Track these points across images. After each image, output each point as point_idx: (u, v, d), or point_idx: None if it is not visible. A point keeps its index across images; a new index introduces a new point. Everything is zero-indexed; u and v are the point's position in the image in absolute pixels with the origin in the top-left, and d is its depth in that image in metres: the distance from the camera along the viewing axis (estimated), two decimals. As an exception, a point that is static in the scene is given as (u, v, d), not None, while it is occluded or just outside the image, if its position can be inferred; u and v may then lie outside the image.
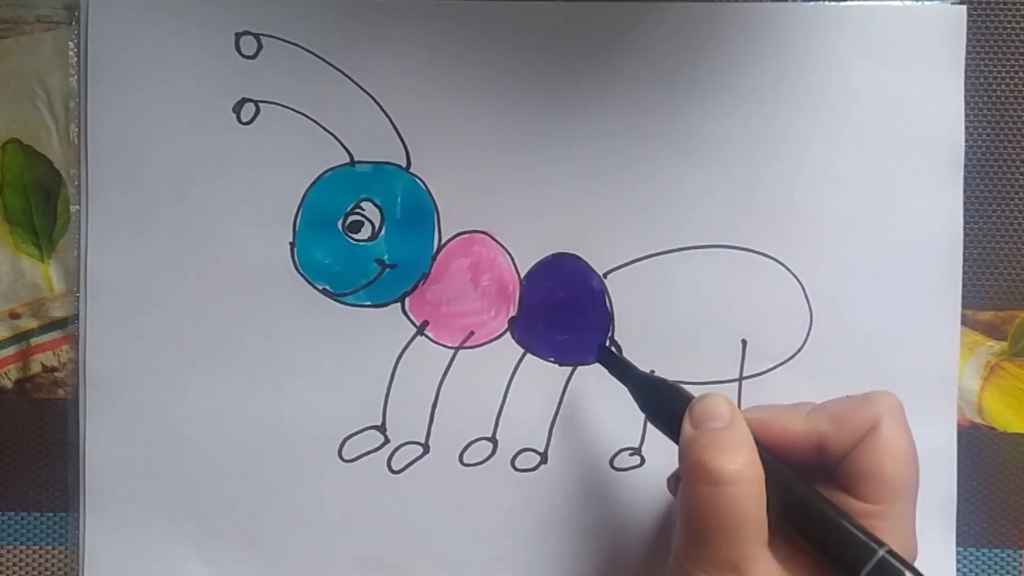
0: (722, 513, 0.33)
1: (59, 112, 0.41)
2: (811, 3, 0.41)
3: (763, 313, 0.41)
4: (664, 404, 0.37)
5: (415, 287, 0.41)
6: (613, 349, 0.41)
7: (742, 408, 0.37)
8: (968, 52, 0.41)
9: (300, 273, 0.41)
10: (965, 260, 0.41)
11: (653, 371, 0.41)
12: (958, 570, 0.42)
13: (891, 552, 0.32)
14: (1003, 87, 0.42)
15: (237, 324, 0.41)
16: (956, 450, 0.41)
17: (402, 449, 0.41)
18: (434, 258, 0.41)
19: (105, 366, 0.41)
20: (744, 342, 0.41)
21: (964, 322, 0.42)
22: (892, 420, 0.35)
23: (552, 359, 0.41)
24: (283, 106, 0.41)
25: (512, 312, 0.41)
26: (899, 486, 0.34)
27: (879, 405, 0.35)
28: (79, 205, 0.41)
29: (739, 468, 0.34)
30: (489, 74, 0.41)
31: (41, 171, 0.41)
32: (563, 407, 0.41)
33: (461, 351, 0.41)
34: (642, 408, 0.38)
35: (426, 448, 0.41)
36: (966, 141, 0.41)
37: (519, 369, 0.41)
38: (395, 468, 0.41)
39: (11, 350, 0.41)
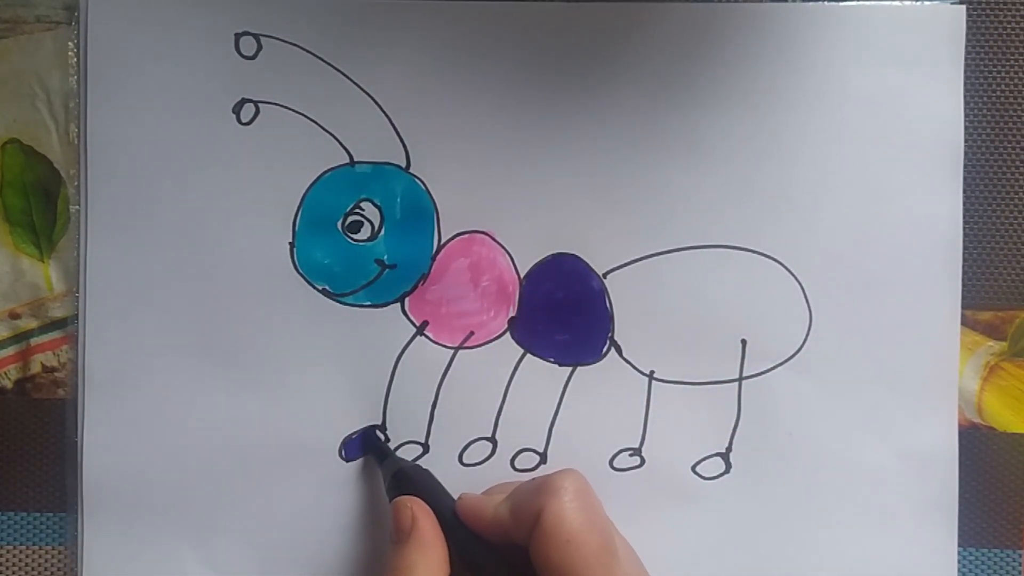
0: None
1: (59, 112, 0.41)
2: (811, 3, 0.41)
3: (763, 313, 0.41)
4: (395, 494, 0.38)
5: (415, 287, 0.41)
6: (379, 434, 0.41)
7: None
8: (968, 52, 0.41)
9: (300, 273, 0.41)
10: (965, 260, 0.41)
11: (654, 371, 0.41)
12: (958, 570, 0.41)
13: None
14: (1003, 87, 0.42)
15: (237, 324, 0.41)
16: (957, 450, 0.41)
17: (402, 449, 0.41)
18: (434, 258, 0.41)
19: (105, 366, 0.41)
20: (744, 342, 0.41)
21: (964, 322, 0.42)
22: (555, 508, 0.34)
23: (552, 359, 0.41)
24: (283, 106, 0.41)
25: (512, 312, 0.41)
26: (572, 573, 0.33)
27: (547, 490, 0.34)
28: (79, 205, 0.41)
29: None
30: (489, 74, 0.41)
31: (41, 171, 0.41)
32: (563, 407, 0.41)
33: (461, 351, 0.41)
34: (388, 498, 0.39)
35: (426, 448, 0.41)
36: (966, 141, 0.41)
37: (519, 369, 0.41)
38: (395, 468, 0.41)
39: (11, 350, 0.41)
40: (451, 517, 0.37)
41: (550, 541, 0.33)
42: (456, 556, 0.36)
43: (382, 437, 0.41)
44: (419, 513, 0.36)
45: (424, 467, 0.39)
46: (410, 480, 0.38)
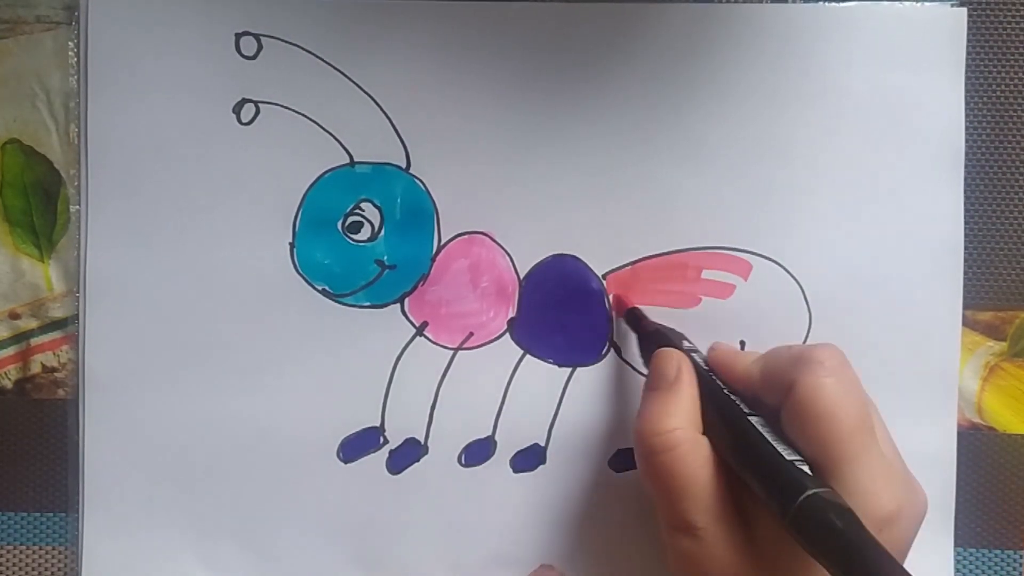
0: (661, 479, 0.34)
1: (59, 112, 0.41)
2: (811, 3, 0.41)
3: (762, 314, 0.41)
4: (649, 355, 0.38)
5: (414, 288, 0.41)
6: (638, 310, 0.41)
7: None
8: (968, 53, 0.41)
9: (300, 274, 0.41)
10: (965, 260, 0.41)
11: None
12: (957, 571, 0.42)
13: (818, 495, 0.31)
14: (1003, 88, 0.41)
15: (237, 324, 0.41)
16: (956, 450, 0.41)
17: (401, 449, 0.41)
18: (433, 259, 0.41)
19: (105, 366, 0.41)
20: (743, 343, 0.41)
21: (964, 322, 0.41)
22: (807, 383, 0.33)
23: (551, 360, 0.41)
24: (283, 107, 0.41)
25: (511, 313, 0.41)
26: (826, 448, 0.33)
27: (801, 362, 0.34)
28: (79, 205, 0.41)
29: (669, 435, 0.34)
30: (489, 74, 0.41)
31: (41, 171, 0.41)
32: (562, 408, 0.41)
33: (460, 352, 0.41)
34: (642, 358, 0.40)
35: (425, 449, 0.41)
36: (966, 142, 0.41)
37: (518, 370, 0.41)
38: (394, 469, 0.41)
39: (11, 350, 0.41)
40: (703, 369, 0.37)
41: (803, 414, 0.33)
42: (706, 405, 0.36)
43: (382, 439, 0.41)
44: (683, 364, 0.37)
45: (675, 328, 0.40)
46: (666, 338, 0.38)
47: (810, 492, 0.31)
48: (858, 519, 0.30)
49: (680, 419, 0.35)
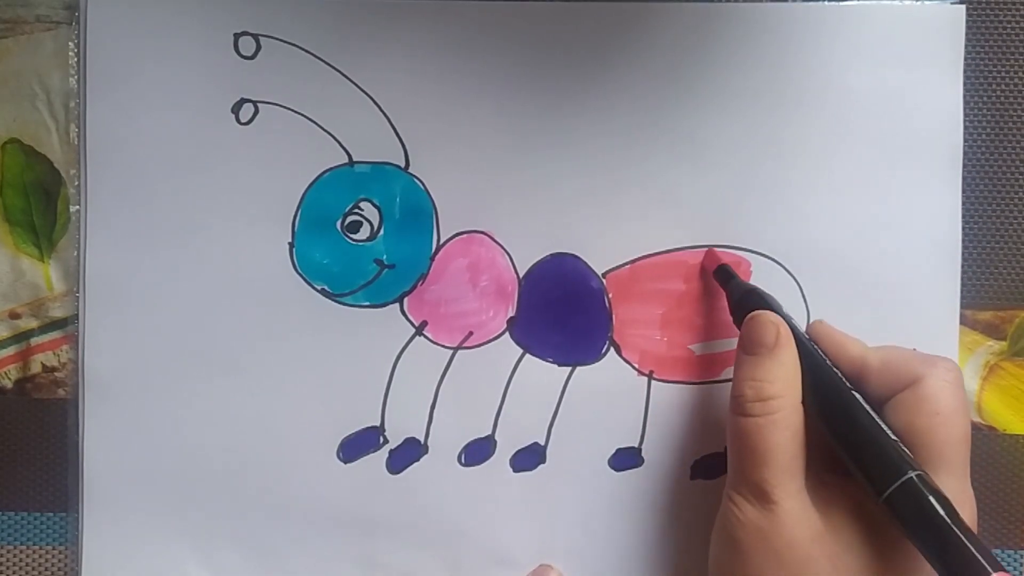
0: (750, 441, 0.35)
1: (59, 112, 0.41)
2: (811, 3, 0.41)
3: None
4: (743, 314, 0.38)
5: (414, 287, 0.41)
6: (729, 268, 0.40)
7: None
8: (967, 52, 0.41)
9: (299, 273, 0.41)
10: (965, 260, 0.41)
11: (653, 371, 0.41)
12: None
13: (922, 477, 0.31)
14: (1003, 87, 0.41)
15: (236, 324, 0.41)
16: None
17: (401, 449, 0.41)
18: (433, 258, 0.41)
19: (105, 366, 0.41)
20: (742, 342, 0.41)
21: (964, 322, 0.41)
22: (936, 382, 0.34)
23: (551, 359, 0.41)
24: (282, 106, 0.41)
25: (511, 312, 0.41)
26: (931, 446, 0.34)
27: (931, 364, 0.35)
28: (79, 205, 0.41)
29: (769, 402, 0.35)
30: (488, 74, 0.41)
31: (41, 171, 0.41)
32: (562, 407, 0.41)
33: (460, 351, 0.41)
34: (733, 316, 0.39)
35: (425, 448, 0.41)
36: (965, 141, 0.41)
37: (518, 369, 0.41)
38: (394, 468, 0.41)
39: (11, 350, 0.41)
40: (804, 337, 0.37)
41: (920, 408, 0.34)
42: (805, 375, 0.36)
43: (381, 439, 0.41)
44: (783, 329, 0.36)
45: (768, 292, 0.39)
46: (762, 299, 0.38)
47: (913, 474, 0.32)
48: (955, 508, 0.31)
49: (780, 387, 0.35)
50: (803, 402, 0.35)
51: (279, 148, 0.41)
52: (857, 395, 0.35)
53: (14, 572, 0.42)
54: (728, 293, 0.40)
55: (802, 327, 0.40)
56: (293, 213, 0.41)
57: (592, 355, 0.41)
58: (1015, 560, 0.42)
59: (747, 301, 0.38)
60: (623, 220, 0.41)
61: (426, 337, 0.41)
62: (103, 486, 0.41)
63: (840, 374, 0.36)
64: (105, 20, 0.41)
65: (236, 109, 0.41)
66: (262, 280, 0.41)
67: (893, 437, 0.33)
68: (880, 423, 0.34)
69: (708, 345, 0.41)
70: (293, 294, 0.41)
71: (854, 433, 0.34)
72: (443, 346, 0.41)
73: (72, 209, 0.41)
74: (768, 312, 0.37)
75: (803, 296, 0.41)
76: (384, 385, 0.41)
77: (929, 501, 0.31)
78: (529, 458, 0.41)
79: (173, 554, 0.41)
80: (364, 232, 0.41)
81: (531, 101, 0.41)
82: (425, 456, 0.41)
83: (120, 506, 0.41)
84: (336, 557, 0.41)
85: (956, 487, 0.34)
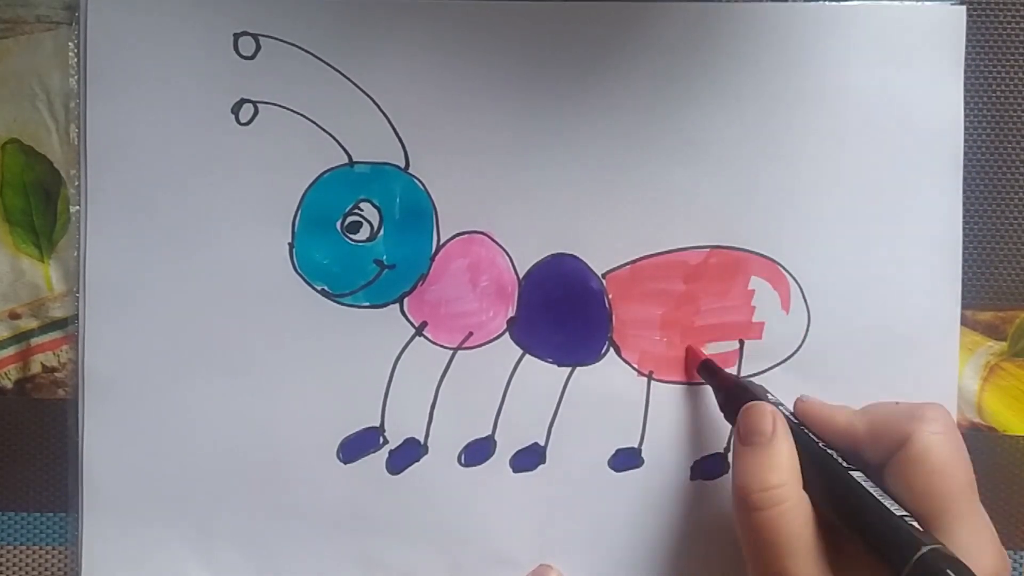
0: (763, 535, 0.34)
1: (59, 112, 0.41)
2: (811, 3, 0.41)
3: (760, 313, 0.41)
4: (733, 408, 0.38)
5: (414, 288, 0.41)
6: (712, 363, 0.41)
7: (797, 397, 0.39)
8: (968, 52, 0.41)
9: (299, 274, 0.41)
10: (965, 260, 0.41)
11: (653, 372, 0.41)
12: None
13: (935, 551, 0.31)
14: (1003, 87, 0.41)
15: (236, 325, 0.41)
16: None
17: (401, 450, 0.41)
18: (433, 259, 0.41)
19: (105, 366, 0.41)
20: (741, 342, 0.41)
21: (964, 322, 0.41)
22: (924, 438, 0.34)
23: (551, 359, 0.41)
24: (282, 107, 0.41)
25: (511, 313, 0.41)
26: (934, 503, 0.33)
27: (915, 419, 0.35)
28: (79, 205, 0.41)
29: (774, 492, 0.34)
30: (488, 74, 0.41)
31: (41, 171, 0.41)
32: (562, 408, 0.41)
33: (460, 352, 0.41)
34: (722, 411, 0.39)
35: (425, 449, 0.41)
36: (966, 141, 0.41)
37: (518, 370, 0.41)
38: (394, 469, 0.41)
39: (11, 350, 0.41)
40: (794, 423, 0.37)
41: (915, 468, 0.34)
42: (803, 460, 0.36)
43: (381, 439, 0.41)
44: (778, 419, 0.36)
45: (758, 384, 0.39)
46: (751, 391, 0.38)
47: (927, 548, 0.31)
48: (972, 571, 0.30)
49: (783, 475, 0.35)
50: (807, 488, 0.35)
51: (279, 148, 0.41)
52: (855, 475, 0.34)
53: (14, 572, 0.42)
54: (715, 388, 0.40)
55: (800, 334, 0.40)
56: (293, 213, 0.41)
57: (592, 356, 0.41)
58: (1015, 560, 0.42)
59: (736, 394, 0.38)
60: (623, 220, 0.41)
61: (426, 337, 0.41)
62: (103, 486, 0.41)
63: (836, 455, 0.35)
64: (105, 20, 0.41)
65: (236, 109, 0.41)
66: (262, 280, 0.41)
67: (899, 513, 0.33)
68: (883, 501, 0.33)
69: (708, 346, 0.41)
70: (293, 294, 0.41)
71: (860, 514, 0.33)
72: (443, 346, 0.41)
73: (72, 209, 0.41)
74: (762, 402, 0.37)
75: (803, 296, 0.41)
76: (384, 385, 0.41)
77: (947, 575, 0.31)
78: (529, 458, 0.41)
79: (173, 554, 0.41)
80: (364, 232, 0.41)
81: (531, 101, 0.41)
82: (425, 456, 0.41)
83: (120, 506, 0.41)
84: (336, 557, 0.41)
85: (970, 532, 0.33)
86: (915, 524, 0.33)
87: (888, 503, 0.33)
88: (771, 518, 0.34)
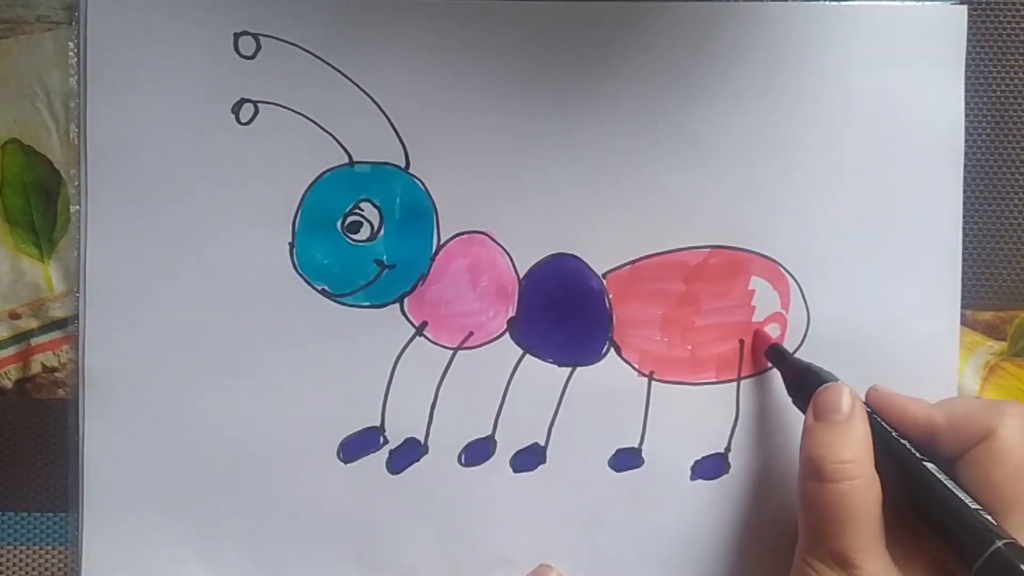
0: (831, 508, 0.34)
1: (59, 112, 0.41)
2: (811, 3, 0.41)
3: (760, 313, 0.41)
4: (804, 391, 0.38)
5: (414, 287, 0.41)
6: (781, 347, 0.41)
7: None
8: (968, 52, 0.41)
9: (299, 274, 0.41)
10: (965, 260, 0.41)
11: (653, 372, 0.41)
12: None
13: (1010, 545, 0.31)
14: (1003, 87, 0.41)
15: (236, 324, 0.41)
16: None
17: (401, 449, 0.41)
18: (433, 258, 0.41)
19: (105, 366, 0.41)
20: (741, 342, 0.41)
21: (964, 322, 0.41)
22: (1009, 433, 0.34)
23: (551, 360, 0.41)
24: (282, 106, 0.41)
25: (511, 313, 0.41)
26: (1009, 499, 0.34)
27: (1000, 413, 0.35)
28: (79, 205, 0.41)
29: (848, 466, 0.34)
30: (488, 74, 0.41)
31: (41, 171, 0.41)
32: (562, 408, 0.41)
33: (460, 352, 0.41)
34: (790, 393, 0.39)
35: (425, 448, 0.41)
36: (966, 141, 0.41)
37: (518, 370, 0.41)
38: (394, 469, 0.41)
39: (11, 350, 0.41)
40: (870, 413, 0.37)
41: (995, 462, 0.34)
42: (876, 446, 0.36)
43: (381, 439, 0.41)
44: (856, 400, 0.36)
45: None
46: (822, 375, 0.38)
47: (1002, 542, 0.31)
48: None
49: (859, 452, 0.35)
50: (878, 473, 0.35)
51: (279, 148, 0.41)
52: (930, 466, 0.35)
53: (14, 572, 0.42)
54: (784, 372, 0.40)
55: (800, 333, 0.40)
56: (293, 213, 0.41)
57: (592, 356, 0.41)
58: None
59: (808, 378, 0.38)
60: (623, 220, 0.41)
61: (426, 337, 0.41)
62: (103, 486, 0.41)
63: (910, 446, 0.36)
64: (105, 20, 0.41)
65: (236, 109, 0.41)
66: (262, 280, 0.41)
67: (973, 506, 0.33)
68: (958, 493, 0.34)
69: (708, 346, 0.41)
70: (293, 294, 0.41)
71: (934, 505, 0.34)
72: (443, 346, 0.41)
73: (72, 209, 0.41)
74: (841, 383, 0.37)
75: (803, 296, 0.41)
76: (384, 385, 0.41)
77: (1020, 569, 0.31)
78: (529, 458, 0.41)
79: (173, 554, 0.41)
80: (364, 232, 0.41)
81: (531, 101, 0.41)
82: (425, 456, 0.41)
83: (120, 506, 0.41)
84: (336, 557, 0.41)
85: None
86: (989, 518, 0.33)
87: (962, 495, 0.33)
88: (842, 491, 0.34)
